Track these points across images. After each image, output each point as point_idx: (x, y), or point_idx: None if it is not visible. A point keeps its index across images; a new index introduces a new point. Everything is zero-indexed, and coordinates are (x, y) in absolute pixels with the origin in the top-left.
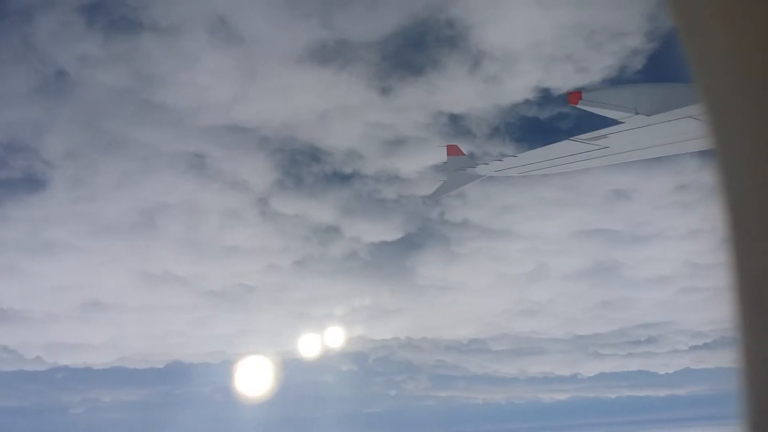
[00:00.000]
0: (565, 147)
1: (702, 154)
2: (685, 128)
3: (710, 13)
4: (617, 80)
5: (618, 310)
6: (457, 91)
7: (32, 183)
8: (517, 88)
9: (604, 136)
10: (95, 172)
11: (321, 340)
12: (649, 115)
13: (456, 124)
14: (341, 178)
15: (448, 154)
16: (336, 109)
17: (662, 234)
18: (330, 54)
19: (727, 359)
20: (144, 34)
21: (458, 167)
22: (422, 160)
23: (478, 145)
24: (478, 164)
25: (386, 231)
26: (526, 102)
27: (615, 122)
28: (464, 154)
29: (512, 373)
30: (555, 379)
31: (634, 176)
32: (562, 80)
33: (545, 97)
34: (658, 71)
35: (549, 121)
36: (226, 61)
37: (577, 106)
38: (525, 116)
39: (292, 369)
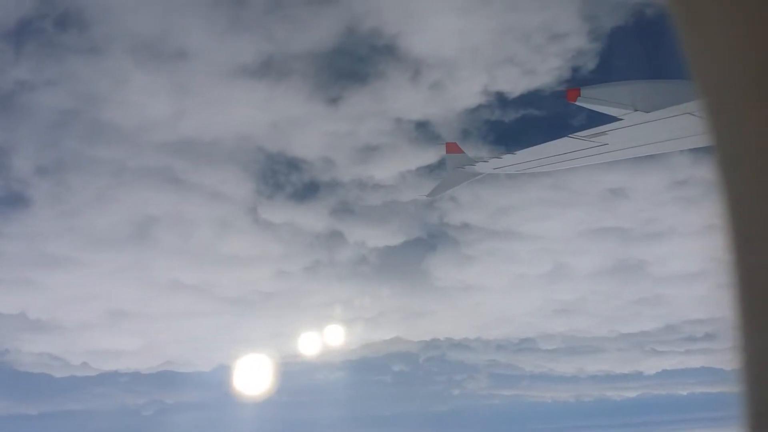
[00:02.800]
0: (564, 144)
1: (700, 150)
2: (684, 125)
3: (710, 10)
4: (571, 81)
5: (656, 307)
6: (406, 98)
7: (15, 200)
8: (468, 92)
9: (603, 133)
10: (71, 188)
11: (360, 342)
12: (647, 112)
13: (419, 129)
14: (323, 186)
15: (447, 152)
16: (289, 120)
17: (676, 230)
18: (266, 67)
19: None
20: (82, 56)
21: (457, 165)
22: (396, 166)
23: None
24: (477, 162)
25: (388, 235)
26: (482, 106)
27: (609, 119)
28: (463, 152)
29: (570, 372)
30: (618, 377)
31: (625, 174)
32: (511, 83)
33: (501, 100)
34: (612, 70)
35: (514, 124)
36: (169, 77)
37: (576, 102)
38: (488, 120)
39: (341, 370)
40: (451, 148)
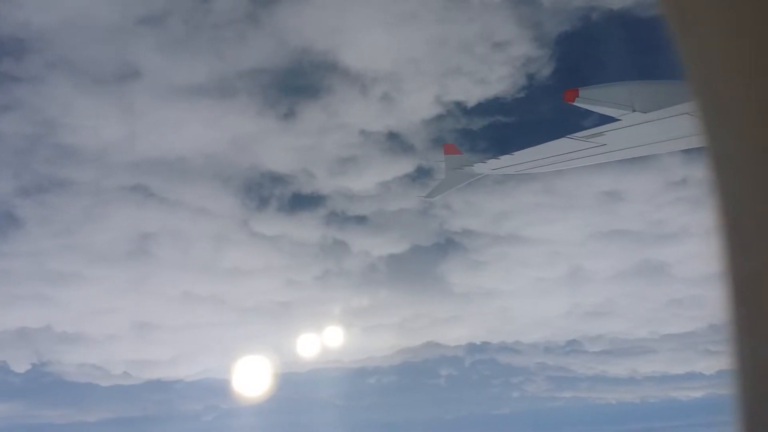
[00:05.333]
0: (562, 145)
1: (697, 150)
2: (682, 125)
3: (704, 10)
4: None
5: (693, 308)
6: (360, 111)
7: (6, 219)
8: (422, 103)
9: (601, 134)
10: (57, 208)
11: (393, 348)
12: (645, 113)
13: (392, 140)
14: (309, 198)
15: (445, 153)
16: (251, 136)
17: (688, 231)
18: (210, 86)
19: None
20: (30, 83)
21: (456, 166)
22: (377, 176)
23: (426, 157)
24: (475, 163)
25: (391, 244)
26: (442, 115)
27: (607, 119)
28: (461, 153)
29: (625, 373)
30: (678, 378)
31: (619, 176)
32: (463, 93)
33: (461, 109)
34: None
35: (482, 132)
36: (123, 99)
37: (574, 103)
38: (456, 128)
39: (389, 374)
40: (449, 149)
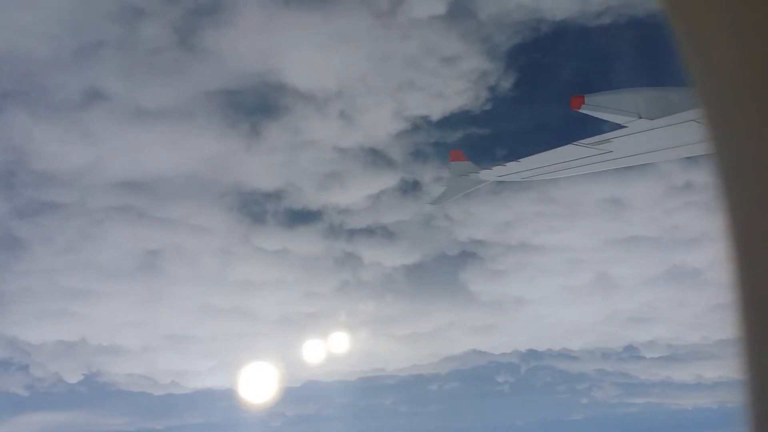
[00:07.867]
0: (568, 151)
1: (702, 157)
2: (689, 132)
3: (709, 17)
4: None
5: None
6: (322, 128)
7: (9, 241)
8: (387, 118)
9: (607, 141)
10: (53, 230)
11: (436, 356)
12: (652, 119)
13: (374, 154)
14: (303, 213)
15: (451, 160)
16: (226, 155)
17: (709, 235)
18: (170, 108)
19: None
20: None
21: (462, 173)
22: (371, 189)
23: (410, 171)
24: (481, 170)
25: (401, 255)
26: (407, 130)
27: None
28: (467, 160)
29: (692, 379)
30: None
31: (618, 184)
32: (425, 107)
33: (426, 122)
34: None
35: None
36: (94, 124)
37: (580, 110)
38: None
39: (447, 381)
40: (455, 156)
